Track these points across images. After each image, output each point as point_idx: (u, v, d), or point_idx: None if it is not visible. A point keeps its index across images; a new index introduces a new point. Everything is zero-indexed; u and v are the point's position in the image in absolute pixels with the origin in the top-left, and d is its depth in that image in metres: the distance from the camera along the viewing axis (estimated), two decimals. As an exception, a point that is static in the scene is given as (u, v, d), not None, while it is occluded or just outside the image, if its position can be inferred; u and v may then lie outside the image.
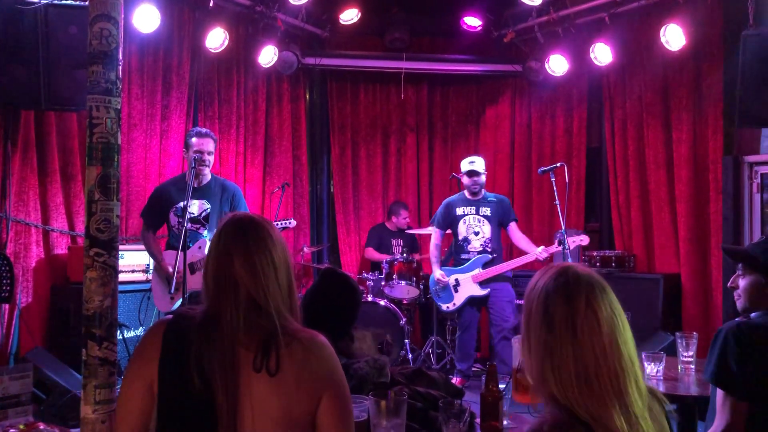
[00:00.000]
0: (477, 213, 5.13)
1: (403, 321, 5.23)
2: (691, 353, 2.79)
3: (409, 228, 6.31)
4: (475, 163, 5.11)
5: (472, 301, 5.10)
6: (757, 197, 4.86)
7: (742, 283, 2.22)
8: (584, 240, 4.85)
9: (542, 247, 4.89)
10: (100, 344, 1.66)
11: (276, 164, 6.33)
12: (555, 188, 4.65)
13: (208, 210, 4.12)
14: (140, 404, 1.47)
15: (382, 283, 5.51)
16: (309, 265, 6.08)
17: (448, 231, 5.34)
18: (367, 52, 6.50)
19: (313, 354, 1.47)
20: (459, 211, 5.17)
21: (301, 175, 6.54)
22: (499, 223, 5.15)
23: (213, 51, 5.43)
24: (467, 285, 5.09)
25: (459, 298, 5.12)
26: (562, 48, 5.81)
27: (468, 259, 5.10)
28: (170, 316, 1.55)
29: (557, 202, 4.60)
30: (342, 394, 1.51)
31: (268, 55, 5.71)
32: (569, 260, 4.40)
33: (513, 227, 5.16)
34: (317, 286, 2.45)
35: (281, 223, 4.95)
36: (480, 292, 5.04)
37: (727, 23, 4.96)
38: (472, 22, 6.13)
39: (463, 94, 6.93)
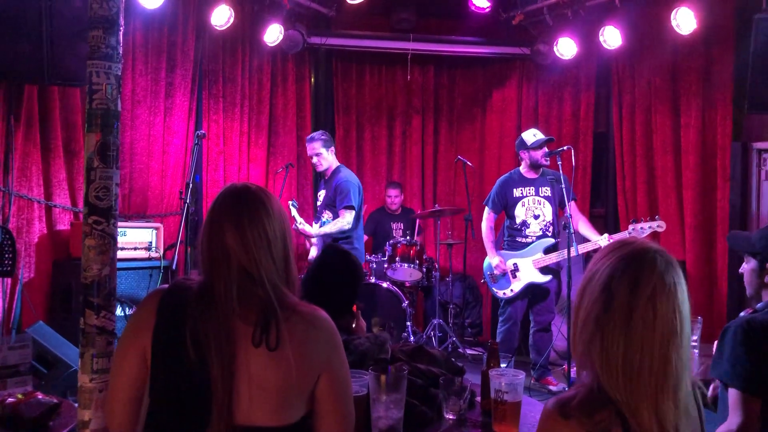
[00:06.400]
0: (537, 194, 4.73)
1: (405, 303, 5.20)
2: (695, 337, 2.76)
3: (411, 212, 6.27)
4: (540, 133, 4.75)
5: (526, 291, 4.73)
6: (765, 184, 4.82)
7: (745, 269, 2.24)
8: (661, 226, 4.37)
9: (606, 235, 4.50)
10: (98, 313, 1.64)
11: (280, 144, 6.29)
12: (561, 172, 4.53)
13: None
14: (134, 374, 1.43)
15: (385, 266, 5.48)
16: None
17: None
18: (373, 32, 6.41)
19: (315, 329, 1.44)
20: (517, 192, 4.76)
21: (305, 156, 6.48)
22: (559, 203, 4.69)
23: (218, 28, 5.37)
24: (528, 270, 4.69)
25: (518, 285, 4.73)
26: (570, 31, 5.74)
27: (527, 244, 4.74)
28: (166, 285, 1.51)
29: (563, 186, 4.46)
30: (342, 371, 1.50)
31: (273, 34, 5.65)
32: (574, 245, 4.30)
33: (573, 207, 4.63)
34: (318, 262, 2.43)
35: None
36: (542, 278, 4.66)
37: (740, 6, 4.91)
38: (481, 3, 6.01)
39: (469, 77, 6.86)
